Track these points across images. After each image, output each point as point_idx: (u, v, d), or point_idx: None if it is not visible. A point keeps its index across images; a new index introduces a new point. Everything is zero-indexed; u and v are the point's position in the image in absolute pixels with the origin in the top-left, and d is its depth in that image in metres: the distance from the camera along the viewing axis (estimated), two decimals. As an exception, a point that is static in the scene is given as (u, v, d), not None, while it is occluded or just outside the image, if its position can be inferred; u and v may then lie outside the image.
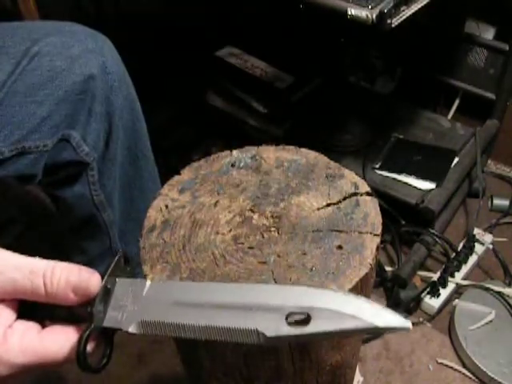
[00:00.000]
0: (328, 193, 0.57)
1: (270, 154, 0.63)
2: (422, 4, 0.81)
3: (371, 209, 0.55)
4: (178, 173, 0.62)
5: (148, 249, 0.54)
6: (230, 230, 0.54)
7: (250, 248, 0.52)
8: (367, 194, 0.57)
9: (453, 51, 1.35)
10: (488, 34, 1.30)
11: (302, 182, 0.59)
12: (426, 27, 1.37)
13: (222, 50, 1.56)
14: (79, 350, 0.36)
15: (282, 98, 1.43)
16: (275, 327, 0.35)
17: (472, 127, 1.34)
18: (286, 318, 0.36)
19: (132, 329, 0.38)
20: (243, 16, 1.65)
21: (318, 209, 0.56)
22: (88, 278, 0.39)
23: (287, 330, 0.35)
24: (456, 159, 1.25)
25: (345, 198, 0.57)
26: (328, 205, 0.56)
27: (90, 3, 1.47)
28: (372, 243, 0.52)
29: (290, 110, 1.43)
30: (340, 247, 0.52)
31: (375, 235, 0.53)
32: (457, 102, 1.44)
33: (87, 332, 0.37)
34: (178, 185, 0.60)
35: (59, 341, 0.38)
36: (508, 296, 1.12)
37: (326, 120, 1.39)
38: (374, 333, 0.31)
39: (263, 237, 0.54)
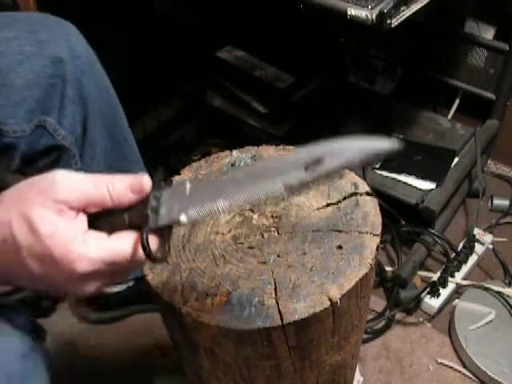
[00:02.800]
0: (328, 193, 0.57)
1: (269, 153, 0.63)
2: (422, 4, 0.81)
3: (371, 209, 0.56)
4: (178, 173, 0.62)
5: (148, 249, 0.54)
6: (230, 230, 0.54)
7: (250, 248, 0.53)
8: (367, 193, 0.57)
9: (453, 51, 1.35)
10: (488, 34, 1.30)
11: (302, 181, 0.59)
12: (425, 27, 1.37)
13: (222, 49, 1.56)
14: (143, 243, 0.43)
15: (281, 98, 1.43)
16: (296, 176, 0.41)
17: (472, 127, 1.34)
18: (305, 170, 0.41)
19: (183, 218, 0.43)
20: (243, 16, 1.65)
21: (318, 209, 0.56)
22: (141, 177, 0.46)
23: (306, 175, 0.41)
24: (456, 159, 1.25)
25: (345, 198, 0.57)
26: (328, 205, 0.56)
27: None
28: (372, 243, 0.52)
29: (289, 110, 1.43)
30: (340, 247, 0.52)
31: (375, 235, 0.53)
32: (457, 102, 1.44)
33: (146, 228, 0.43)
34: (177, 185, 0.60)
35: (126, 239, 0.44)
36: (508, 296, 1.12)
37: (326, 120, 1.39)
38: (377, 157, 0.39)
39: (263, 237, 0.54)
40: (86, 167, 0.92)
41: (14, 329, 0.53)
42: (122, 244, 0.44)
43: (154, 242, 0.44)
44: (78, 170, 0.90)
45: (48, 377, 0.55)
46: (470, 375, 1.04)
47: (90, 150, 0.91)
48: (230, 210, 0.45)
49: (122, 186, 0.45)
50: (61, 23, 0.84)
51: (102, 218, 0.45)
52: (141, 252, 0.43)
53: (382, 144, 0.42)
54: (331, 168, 0.41)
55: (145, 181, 0.45)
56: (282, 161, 0.44)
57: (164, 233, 0.45)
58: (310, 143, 0.43)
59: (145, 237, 0.43)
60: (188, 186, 0.45)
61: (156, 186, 0.46)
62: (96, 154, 0.92)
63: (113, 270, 0.45)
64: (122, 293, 1.14)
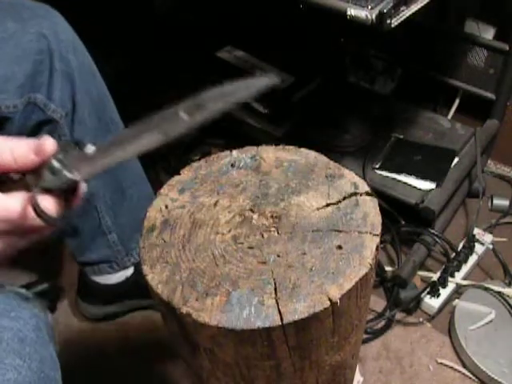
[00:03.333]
0: (328, 193, 0.57)
1: (269, 153, 0.63)
2: (422, 4, 0.81)
3: (371, 209, 0.56)
4: (178, 173, 0.62)
5: (148, 249, 0.54)
6: (230, 230, 0.54)
7: (250, 248, 0.53)
8: (367, 193, 0.57)
9: (453, 51, 1.35)
10: (488, 34, 1.30)
11: (302, 182, 0.59)
12: (425, 27, 1.37)
13: (221, 49, 1.56)
14: (32, 201, 0.44)
15: (281, 98, 1.43)
16: (176, 124, 0.45)
17: (472, 127, 1.34)
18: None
19: (76, 175, 0.46)
20: (243, 16, 1.65)
21: (318, 209, 0.56)
22: (43, 140, 0.47)
23: (188, 120, 0.44)
24: (456, 159, 1.25)
25: (344, 198, 0.57)
26: (328, 205, 0.56)
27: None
28: (372, 243, 0.52)
29: (289, 109, 1.43)
30: (340, 247, 0.52)
31: (375, 235, 0.53)
32: (457, 102, 1.44)
33: (38, 187, 0.45)
34: (177, 185, 0.60)
35: (18, 197, 0.45)
36: (508, 296, 1.12)
37: (326, 120, 1.39)
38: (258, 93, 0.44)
39: (263, 237, 0.54)
40: None
41: (31, 305, 0.55)
42: (12, 202, 0.45)
43: (48, 202, 0.45)
44: None
45: (56, 355, 0.56)
46: (470, 375, 1.04)
47: (79, 128, 0.93)
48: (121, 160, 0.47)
49: (24, 149, 0.46)
50: (44, 7, 0.87)
51: (1, 179, 0.47)
52: (31, 211, 0.44)
53: (261, 81, 0.44)
54: (212, 110, 0.43)
55: (47, 143, 0.46)
56: (164, 112, 0.47)
57: (67, 195, 0.47)
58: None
59: (35, 195, 0.44)
60: (92, 148, 0.48)
61: (61, 148, 0.47)
62: (86, 134, 0.94)
63: (10, 231, 0.46)
64: (120, 286, 1.14)
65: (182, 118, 0.45)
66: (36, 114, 0.88)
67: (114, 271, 1.12)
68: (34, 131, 0.89)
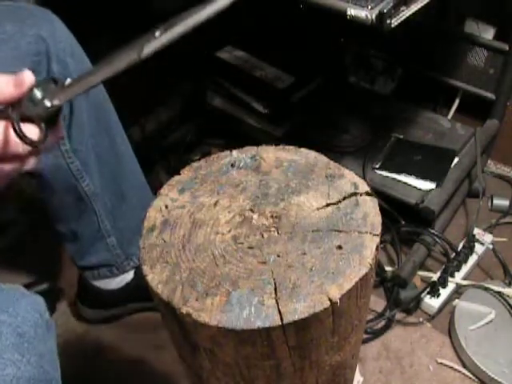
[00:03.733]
0: (328, 193, 0.57)
1: (269, 154, 0.63)
2: (422, 4, 0.81)
3: (371, 209, 0.55)
4: (178, 173, 0.62)
5: (148, 249, 0.54)
6: (230, 230, 0.54)
7: (250, 248, 0.53)
8: (367, 193, 0.57)
9: (453, 51, 1.35)
10: (488, 34, 1.30)
11: (302, 182, 0.59)
12: (425, 27, 1.37)
13: (221, 49, 1.56)
14: (13, 125, 0.47)
15: (281, 98, 1.43)
16: (148, 42, 0.48)
17: (472, 127, 1.34)
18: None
19: (56, 101, 0.49)
20: (243, 16, 1.65)
21: (318, 209, 0.56)
22: (22, 73, 0.49)
23: (160, 36, 0.48)
24: (456, 159, 1.25)
25: (344, 198, 0.57)
26: (328, 205, 0.56)
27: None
28: (372, 243, 0.52)
29: (289, 109, 1.43)
30: (340, 247, 0.52)
31: (375, 235, 0.53)
32: (457, 102, 1.44)
33: (16, 111, 0.48)
34: (177, 185, 0.60)
35: None
36: (508, 296, 1.12)
37: (326, 120, 1.39)
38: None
39: (263, 237, 0.54)
40: (76, 153, 0.95)
41: (31, 300, 0.55)
42: None
43: (29, 128, 0.48)
44: (66, 151, 0.94)
45: (55, 352, 0.57)
46: (470, 375, 1.04)
47: (77, 131, 0.93)
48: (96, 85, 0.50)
49: (3, 81, 0.48)
50: (43, 11, 0.88)
51: None
52: (13, 135, 0.47)
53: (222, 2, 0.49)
54: (181, 28, 0.48)
55: (26, 74, 0.48)
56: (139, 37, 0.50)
57: (49, 125, 0.50)
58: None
59: (16, 120, 0.47)
60: (68, 80, 0.51)
61: (41, 83, 0.50)
62: (84, 138, 0.95)
63: None
64: (121, 290, 1.14)
65: (154, 36, 0.48)
66: None
67: (114, 275, 1.12)
68: None
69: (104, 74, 0.50)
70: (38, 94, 0.49)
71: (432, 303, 1.14)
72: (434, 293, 1.14)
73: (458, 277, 1.18)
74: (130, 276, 1.13)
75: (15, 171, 0.51)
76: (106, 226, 1.05)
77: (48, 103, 0.49)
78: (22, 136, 0.47)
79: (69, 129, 0.92)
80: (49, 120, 0.50)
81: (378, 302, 1.17)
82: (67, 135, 0.92)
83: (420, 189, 1.19)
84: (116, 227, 1.06)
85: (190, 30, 0.49)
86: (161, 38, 0.48)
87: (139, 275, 1.11)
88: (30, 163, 0.51)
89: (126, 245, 1.08)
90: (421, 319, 1.15)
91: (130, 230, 1.07)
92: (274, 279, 0.49)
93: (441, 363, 1.07)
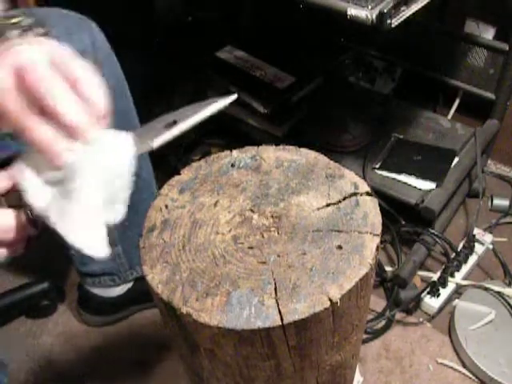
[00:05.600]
0: (328, 193, 0.57)
1: (269, 153, 0.63)
2: (422, 4, 0.81)
3: (371, 209, 0.55)
4: (178, 173, 0.62)
5: (148, 249, 0.54)
6: (230, 230, 0.54)
7: (250, 248, 0.53)
8: (367, 193, 0.57)
9: (453, 51, 1.35)
10: (488, 34, 1.30)
11: (302, 181, 0.59)
12: (425, 27, 1.37)
13: (221, 49, 1.56)
14: (28, 216, 0.47)
15: (281, 98, 1.43)
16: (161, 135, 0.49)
17: (472, 127, 1.34)
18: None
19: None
20: (243, 16, 1.65)
21: (318, 209, 0.56)
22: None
23: (167, 134, 0.49)
24: (456, 159, 1.25)
25: (345, 198, 0.57)
26: (328, 205, 0.56)
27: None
28: (372, 243, 0.52)
29: (289, 110, 1.43)
30: (340, 247, 0.52)
31: (375, 235, 0.53)
32: (457, 102, 1.44)
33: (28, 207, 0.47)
34: (177, 185, 0.60)
35: (5, 213, 0.48)
36: (508, 296, 1.12)
37: (326, 120, 1.39)
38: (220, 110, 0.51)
39: (263, 237, 0.54)
40: None
41: None
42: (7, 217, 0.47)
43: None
44: None
45: None
46: (470, 375, 1.04)
47: None
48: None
49: None
50: (81, 17, 0.88)
51: None
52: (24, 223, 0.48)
53: (223, 101, 0.51)
54: (184, 126, 0.50)
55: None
56: (146, 126, 0.52)
57: None
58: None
59: (29, 214, 0.47)
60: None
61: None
62: None
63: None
64: (122, 297, 1.14)
65: (163, 131, 0.49)
66: None
67: (115, 285, 1.11)
68: None
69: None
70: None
71: (432, 303, 1.14)
72: (434, 293, 1.14)
73: (458, 277, 1.18)
74: (131, 283, 1.13)
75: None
76: (114, 235, 1.04)
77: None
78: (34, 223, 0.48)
79: None
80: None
81: (378, 302, 1.17)
82: None
83: (420, 189, 1.19)
84: (124, 236, 1.05)
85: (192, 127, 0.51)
86: (167, 133, 0.49)
87: (140, 280, 1.11)
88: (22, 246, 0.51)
89: (131, 254, 1.08)
90: (421, 319, 1.15)
91: (138, 240, 1.07)
92: (274, 279, 0.49)
93: (441, 363, 1.07)
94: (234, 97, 0.51)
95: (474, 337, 1.06)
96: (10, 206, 0.49)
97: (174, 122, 0.50)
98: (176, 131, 0.50)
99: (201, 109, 0.51)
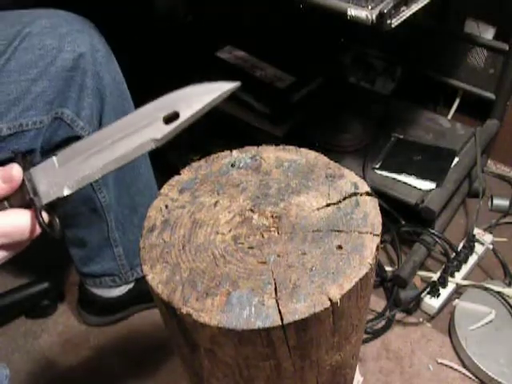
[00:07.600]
0: (328, 193, 0.57)
1: (269, 154, 0.63)
2: (422, 4, 0.81)
3: (371, 209, 0.55)
4: (178, 173, 0.62)
5: (148, 249, 0.54)
6: (230, 230, 0.54)
7: (250, 248, 0.53)
8: (367, 193, 0.57)
9: (453, 51, 1.35)
10: (488, 34, 1.30)
11: (302, 182, 0.59)
12: (425, 27, 1.37)
13: (221, 49, 1.56)
14: (39, 220, 0.47)
15: (282, 98, 1.43)
16: (160, 130, 0.47)
17: (472, 127, 1.34)
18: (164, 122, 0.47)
19: (66, 191, 0.48)
20: (244, 16, 1.65)
21: (318, 209, 0.56)
22: (9, 167, 0.48)
23: (168, 128, 0.47)
24: (456, 159, 1.25)
25: (345, 198, 0.57)
26: (328, 205, 0.56)
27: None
28: (372, 243, 0.52)
29: (290, 109, 1.43)
30: (340, 247, 0.52)
31: (375, 235, 0.53)
32: (457, 102, 1.44)
33: (38, 207, 0.48)
34: (177, 185, 0.60)
35: (21, 214, 0.48)
36: (508, 296, 1.12)
37: (326, 120, 1.39)
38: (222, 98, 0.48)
39: (263, 237, 0.54)
40: None
41: None
42: (17, 217, 0.47)
43: (47, 218, 0.49)
44: None
45: None
46: (470, 375, 1.04)
47: None
48: (105, 171, 0.48)
49: None
50: (81, 19, 0.87)
51: None
52: (37, 227, 0.48)
53: (226, 86, 0.48)
54: (186, 119, 0.47)
55: (14, 169, 0.48)
56: (139, 115, 0.49)
57: (50, 207, 0.49)
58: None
59: (39, 214, 0.47)
60: (54, 159, 0.49)
61: (23, 168, 0.49)
62: None
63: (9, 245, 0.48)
64: (123, 297, 1.14)
65: (163, 125, 0.48)
66: (63, 129, 0.86)
67: (116, 285, 1.11)
68: (57, 150, 0.89)
69: (108, 164, 0.48)
70: (29, 183, 0.48)
71: (432, 303, 1.14)
72: (434, 293, 1.14)
73: (458, 277, 1.18)
74: (131, 284, 1.13)
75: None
76: (115, 236, 1.03)
77: (58, 193, 0.48)
78: (46, 229, 0.48)
79: None
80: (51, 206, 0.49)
81: (378, 302, 1.17)
82: None
83: (420, 189, 1.19)
84: (125, 238, 1.05)
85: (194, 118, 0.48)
86: (168, 129, 0.47)
87: (141, 280, 1.11)
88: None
89: (132, 255, 1.08)
90: (421, 319, 1.15)
91: (139, 241, 1.06)
92: (274, 279, 0.49)
93: (441, 363, 1.07)
94: (237, 84, 0.48)
95: (474, 337, 1.06)
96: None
97: (175, 114, 0.47)
98: (177, 126, 0.47)
99: (202, 96, 0.48)
